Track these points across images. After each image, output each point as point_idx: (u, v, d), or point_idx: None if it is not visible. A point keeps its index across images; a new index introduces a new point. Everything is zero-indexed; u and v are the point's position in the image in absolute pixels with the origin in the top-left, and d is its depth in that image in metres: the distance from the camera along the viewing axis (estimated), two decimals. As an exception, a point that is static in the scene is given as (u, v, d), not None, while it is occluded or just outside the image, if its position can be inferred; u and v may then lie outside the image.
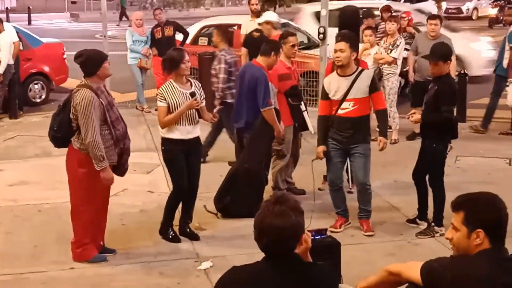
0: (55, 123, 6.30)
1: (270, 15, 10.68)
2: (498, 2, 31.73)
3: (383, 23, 14.18)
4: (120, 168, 6.45)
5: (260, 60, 7.74)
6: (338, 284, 3.40)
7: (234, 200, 7.62)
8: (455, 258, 3.30)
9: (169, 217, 7.00)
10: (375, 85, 7.10)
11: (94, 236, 6.52)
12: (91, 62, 6.22)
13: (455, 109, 6.96)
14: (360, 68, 7.13)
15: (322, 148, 7.14)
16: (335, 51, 6.96)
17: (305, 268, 3.25)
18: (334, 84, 7.04)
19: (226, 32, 10.55)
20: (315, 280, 3.23)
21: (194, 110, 6.73)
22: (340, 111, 7.00)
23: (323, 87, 7.18)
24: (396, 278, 3.57)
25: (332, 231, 6.81)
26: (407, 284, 3.58)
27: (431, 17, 10.59)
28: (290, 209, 3.17)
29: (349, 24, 8.91)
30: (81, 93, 6.07)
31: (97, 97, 6.07)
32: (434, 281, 3.33)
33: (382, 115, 7.23)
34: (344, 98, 6.95)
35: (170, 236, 6.97)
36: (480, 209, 3.29)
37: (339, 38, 7.13)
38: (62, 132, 6.25)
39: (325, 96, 7.10)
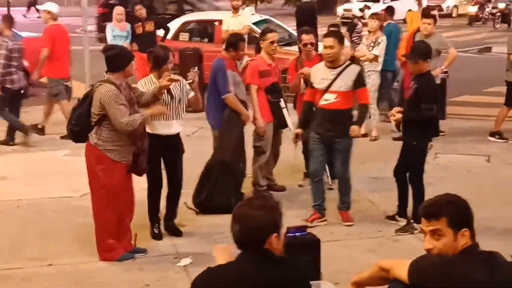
0: (73, 117, 6.23)
1: (50, 5, 11.05)
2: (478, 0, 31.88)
3: (360, 22, 14.26)
4: (138, 168, 6.38)
5: (223, 52, 7.90)
6: (309, 280, 3.40)
7: (210, 194, 7.62)
8: (444, 257, 3.30)
9: (150, 214, 7.00)
10: (361, 80, 7.18)
11: (119, 234, 6.43)
12: (121, 57, 6.19)
13: (436, 107, 6.96)
14: (348, 62, 7.21)
15: (299, 130, 7.32)
16: (325, 47, 7.04)
17: (276, 262, 3.27)
18: (320, 74, 7.12)
19: (11, 19, 10.88)
20: (287, 274, 3.24)
21: (177, 104, 6.71)
22: (322, 102, 7.07)
23: (310, 74, 7.28)
24: (386, 274, 3.58)
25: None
26: (391, 281, 3.57)
27: (424, 15, 10.61)
28: (270, 206, 3.26)
29: (306, 19, 8.95)
30: (105, 87, 6.02)
31: (120, 93, 6.03)
32: (421, 280, 3.33)
33: (363, 108, 7.34)
34: (327, 89, 6.99)
35: (154, 232, 6.96)
36: (459, 209, 3.32)
37: (328, 35, 7.27)
38: (80, 126, 6.17)
39: (311, 83, 7.22)
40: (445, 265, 3.26)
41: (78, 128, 6.19)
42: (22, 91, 10.67)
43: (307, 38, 8.03)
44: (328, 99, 7.02)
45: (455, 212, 3.31)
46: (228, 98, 7.61)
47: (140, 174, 6.53)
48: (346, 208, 7.37)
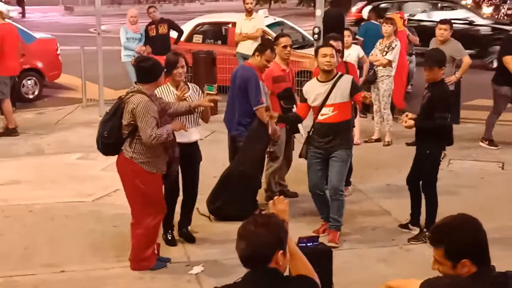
0: (105, 129, 6.12)
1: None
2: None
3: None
4: (169, 176, 6.37)
5: (250, 60, 7.75)
6: None
7: (226, 202, 7.59)
8: (455, 278, 3.25)
9: (165, 220, 6.98)
10: (355, 87, 6.96)
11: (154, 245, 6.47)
12: (157, 69, 6.15)
13: (449, 116, 6.91)
14: (339, 73, 7.04)
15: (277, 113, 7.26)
16: (325, 55, 6.85)
17: (283, 283, 3.26)
18: (313, 92, 6.97)
19: None
20: None
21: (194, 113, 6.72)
22: (320, 117, 6.96)
23: (302, 91, 7.14)
24: None
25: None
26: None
27: (441, 21, 10.53)
28: (274, 223, 3.27)
29: (334, 26, 8.88)
30: (137, 98, 5.97)
31: (152, 103, 6.02)
32: None
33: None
34: (323, 104, 6.89)
35: (168, 239, 6.97)
36: (459, 240, 3.24)
37: (328, 43, 7.13)
38: (114, 138, 6.09)
39: (304, 99, 7.09)
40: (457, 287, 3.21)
41: (112, 141, 6.10)
42: None
43: (335, 45, 7.82)
44: (325, 114, 6.90)
45: (457, 241, 3.21)
46: (260, 110, 7.49)
47: (170, 183, 6.52)
48: (335, 228, 7.06)
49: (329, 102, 6.87)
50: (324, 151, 6.97)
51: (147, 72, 6.10)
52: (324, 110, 6.91)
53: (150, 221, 6.26)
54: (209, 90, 6.97)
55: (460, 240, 3.21)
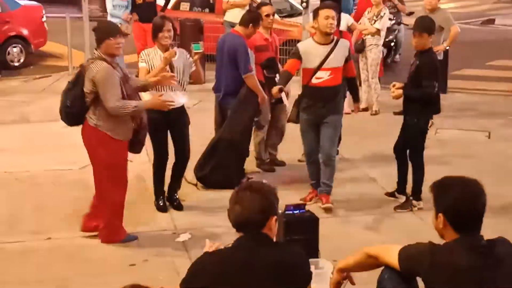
0: (68, 99, 5.96)
1: None
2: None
3: None
4: (137, 145, 6.26)
5: (238, 29, 7.68)
6: (309, 265, 3.42)
7: (214, 169, 7.60)
8: (434, 245, 3.30)
9: (156, 186, 7.03)
10: (349, 54, 7.03)
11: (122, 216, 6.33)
12: (98, 32, 5.96)
13: (437, 84, 6.89)
14: (335, 38, 6.98)
15: (277, 87, 6.93)
16: (327, 17, 6.71)
17: (275, 247, 3.34)
18: (310, 51, 6.85)
19: None
20: (288, 259, 3.29)
21: (180, 76, 6.67)
22: (314, 80, 6.86)
23: (297, 49, 6.95)
24: (374, 261, 3.58)
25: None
26: (383, 267, 3.58)
27: None
28: (268, 190, 3.34)
29: None
30: (97, 64, 5.80)
31: (113, 70, 5.86)
32: (412, 267, 3.33)
33: (354, 82, 7.31)
34: (319, 67, 6.81)
35: (159, 205, 6.97)
36: (442, 193, 3.31)
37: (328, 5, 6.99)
38: (77, 107, 5.92)
39: (298, 57, 6.87)
40: (434, 253, 3.24)
41: (75, 110, 5.94)
42: None
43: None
44: (321, 77, 6.82)
45: (437, 194, 3.34)
46: (249, 77, 7.45)
47: (139, 151, 6.42)
48: (326, 192, 7.08)
49: (326, 65, 6.80)
50: (318, 117, 6.94)
51: (95, 35, 5.98)
52: (320, 74, 6.83)
53: (117, 194, 6.14)
54: (196, 49, 6.91)
55: (443, 192, 3.28)
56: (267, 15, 7.88)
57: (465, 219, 3.24)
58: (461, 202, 3.25)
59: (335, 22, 6.87)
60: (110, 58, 5.89)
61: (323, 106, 6.90)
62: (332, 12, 6.77)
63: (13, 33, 13.62)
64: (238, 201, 3.27)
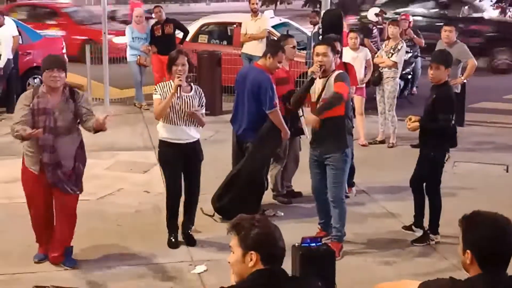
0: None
1: None
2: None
3: (375, 28, 14.18)
4: (49, 179, 6.19)
5: (260, 61, 7.64)
6: None
7: (232, 201, 7.56)
8: (454, 280, 3.24)
9: (168, 221, 7.00)
10: (339, 77, 6.59)
11: (42, 240, 6.53)
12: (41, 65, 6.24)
13: (453, 117, 6.88)
14: (335, 71, 6.78)
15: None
16: (318, 54, 6.60)
17: (295, 280, 3.37)
18: (314, 87, 6.76)
19: None
20: None
21: (187, 109, 6.70)
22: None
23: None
24: None
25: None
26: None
27: (446, 23, 10.55)
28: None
29: (333, 26, 8.86)
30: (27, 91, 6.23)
31: (31, 97, 6.05)
32: None
33: (335, 95, 6.46)
34: (318, 100, 6.67)
35: (171, 240, 6.93)
36: (471, 230, 3.24)
37: (321, 42, 6.98)
38: None
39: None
40: None
41: None
42: None
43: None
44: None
45: (466, 229, 3.26)
46: (274, 113, 7.37)
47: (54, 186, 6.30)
48: (337, 239, 6.73)
49: (323, 97, 6.62)
50: (319, 155, 6.72)
51: None
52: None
53: (32, 217, 6.47)
54: None
55: (470, 228, 3.21)
56: (294, 47, 7.93)
57: (492, 258, 3.18)
58: (490, 241, 3.17)
59: (327, 58, 6.58)
60: (48, 88, 6.10)
61: (321, 142, 6.66)
62: (321, 49, 6.60)
63: (33, 64, 13.77)
64: (280, 237, 3.34)
